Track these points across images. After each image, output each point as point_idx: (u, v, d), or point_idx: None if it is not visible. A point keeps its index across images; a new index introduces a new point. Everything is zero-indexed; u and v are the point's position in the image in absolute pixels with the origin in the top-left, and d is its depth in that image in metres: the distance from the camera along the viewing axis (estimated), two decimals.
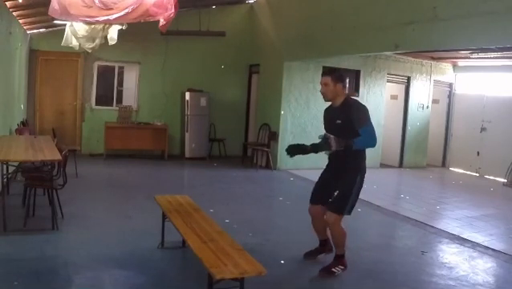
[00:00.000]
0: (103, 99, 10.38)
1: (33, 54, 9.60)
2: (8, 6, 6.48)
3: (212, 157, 10.66)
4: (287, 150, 3.97)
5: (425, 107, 11.17)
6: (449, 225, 6.03)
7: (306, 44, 8.67)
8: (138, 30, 7.98)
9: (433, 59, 10.72)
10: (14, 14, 7.13)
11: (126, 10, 5.82)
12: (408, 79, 10.89)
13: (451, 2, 5.47)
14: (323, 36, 8.08)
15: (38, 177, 5.08)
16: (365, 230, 5.70)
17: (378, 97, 10.53)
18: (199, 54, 10.71)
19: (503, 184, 9.43)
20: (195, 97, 10.25)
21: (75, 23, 6.67)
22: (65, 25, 7.07)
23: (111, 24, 6.67)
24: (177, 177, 8.93)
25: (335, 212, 3.87)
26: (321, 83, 3.97)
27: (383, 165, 10.72)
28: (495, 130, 10.20)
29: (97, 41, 6.99)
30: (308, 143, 3.97)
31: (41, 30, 9.28)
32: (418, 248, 5.01)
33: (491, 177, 10.06)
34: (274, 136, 9.64)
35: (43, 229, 4.69)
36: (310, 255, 4.35)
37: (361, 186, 3.94)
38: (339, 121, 3.83)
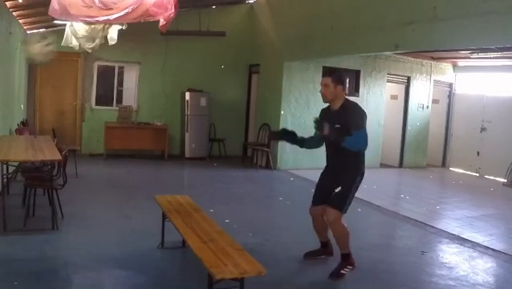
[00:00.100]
0: (103, 99, 10.38)
1: None
2: (8, 6, 6.47)
3: (212, 157, 10.66)
4: (278, 133, 4.01)
5: (425, 107, 11.17)
6: (449, 225, 6.02)
7: (306, 44, 8.67)
8: (138, 30, 7.98)
9: (433, 58, 10.72)
10: (14, 14, 7.13)
11: (126, 10, 5.81)
12: (408, 79, 10.89)
13: (451, 2, 5.47)
14: (323, 36, 8.09)
15: (38, 177, 5.08)
16: (365, 230, 5.70)
17: (378, 97, 10.54)
18: (199, 54, 10.71)
19: (503, 184, 9.43)
20: (195, 97, 10.25)
21: (75, 23, 6.67)
22: (65, 25, 7.07)
23: (111, 24, 6.67)
24: (177, 177, 8.93)
25: (334, 208, 3.86)
26: (321, 84, 3.97)
27: (383, 165, 10.72)
28: (495, 130, 10.20)
29: (97, 41, 6.99)
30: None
31: (41, 30, 9.28)
32: (418, 248, 5.01)
33: (491, 177, 10.06)
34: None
35: (43, 229, 4.69)
36: (311, 256, 4.35)
37: (358, 187, 3.95)
38: (337, 126, 3.79)
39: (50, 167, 4.99)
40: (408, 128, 10.95)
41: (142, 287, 3.62)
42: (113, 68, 10.43)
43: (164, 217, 4.24)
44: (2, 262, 3.85)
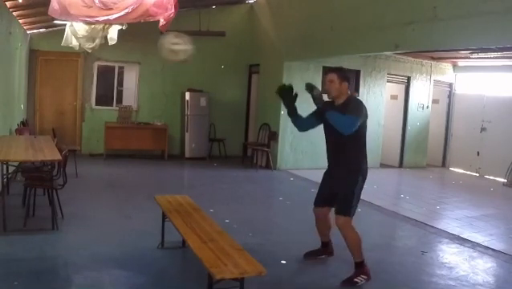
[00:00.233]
0: (103, 99, 10.38)
1: (33, 54, 9.60)
2: (8, 6, 6.47)
3: (212, 157, 10.65)
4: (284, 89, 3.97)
5: (425, 107, 11.16)
6: (449, 225, 6.02)
7: (306, 44, 8.66)
8: (138, 30, 7.98)
9: (433, 59, 10.72)
10: (14, 14, 7.13)
11: (126, 10, 5.82)
12: (408, 79, 10.89)
13: (451, 2, 5.47)
14: (323, 36, 8.08)
15: (38, 177, 5.08)
16: (365, 230, 5.64)
17: (378, 97, 10.53)
18: (199, 54, 10.59)
19: (503, 184, 9.43)
20: (195, 97, 10.25)
21: (75, 23, 6.67)
22: (65, 25, 7.07)
23: (111, 24, 6.67)
24: (177, 177, 8.93)
25: (341, 214, 3.82)
26: (326, 80, 3.92)
27: (383, 165, 10.72)
28: (495, 130, 10.20)
29: (97, 41, 6.99)
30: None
31: (41, 30, 9.28)
32: (418, 248, 5.01)
33: (491, 177, 10.06)
34: (274, 136, 9.64)
35: (43, 229, 4.69)
36: (311, 255, 4.34)
37: (362, 188, 3.92)
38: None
39: (50, 167, 4.99)
40: (408, 128, 10.95)
41: (142, 287, 3.62)
42: (113, 68, 10.43)
43: (164, 217, 4.24)
44: (2, 262, 3.84)
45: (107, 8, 5.77)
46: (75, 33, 6.83)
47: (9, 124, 7.09)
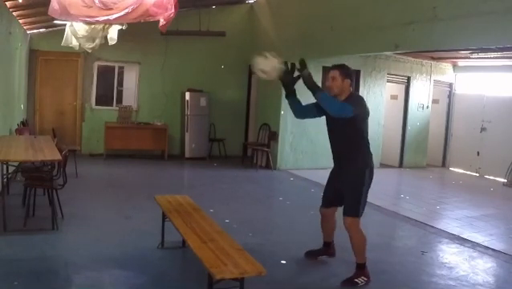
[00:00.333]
0: (103, 99, 10.38)
1: (33, 54, 9.60)
2: (8, 6, 6.47)
3: (212, 157, 10.65)
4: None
5: (425, 107, 11.16)
6: (449, 225, 6.02)
7: (306, 44, 8.66)
8: (138, 30, 7.98)
9: (433, 58, 10.71)
10: (14, 14, 7.13)
11: (126, 10, 5.82)
12: (408, 79, 10.89)
13: (451, 2, 5.47)
14: (323, 36, 8.08)
15: (38, 177, 5.09)
16: (365, 230, 5.66)
17: (378, 97, 10.53)
18: (199, 54, 10.70)
19: (503, 184, 9.43)
20: (195, 97, 10.25)
21: (75, 23, 6.68)
22: (65, 25, 7.07)
23: (111, 24, 6.67)
24: (177, 177, 8.93)
25: (349, 215, 3.80)
26: (328, 77, 3.87)
27: (383, 165, 10.70)
28: (495, 130, 10.20)
29: (97, 41, 6.99)
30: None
31: (41, 30, 9.28)
32: (418, 248, 5.01)
33: (491, 177, 10.06)
34: (274, 136, 9.64)
35: (43, 229, 4.69)
36: (312, 255, 4.34)
37: (370, 185, 3.88)
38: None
39: (50, 167, 4.99)
40: (408, 128, 10.94)
41: (142, 287, 3.62)
42: (113, 68, 10.42)
43: (164, 217, 4.24)
44: (2, 262, 3.85)
45: (107, 8, 5.77)
46: (75, 33, 6.84)
47: (9, 123, 7.09)
